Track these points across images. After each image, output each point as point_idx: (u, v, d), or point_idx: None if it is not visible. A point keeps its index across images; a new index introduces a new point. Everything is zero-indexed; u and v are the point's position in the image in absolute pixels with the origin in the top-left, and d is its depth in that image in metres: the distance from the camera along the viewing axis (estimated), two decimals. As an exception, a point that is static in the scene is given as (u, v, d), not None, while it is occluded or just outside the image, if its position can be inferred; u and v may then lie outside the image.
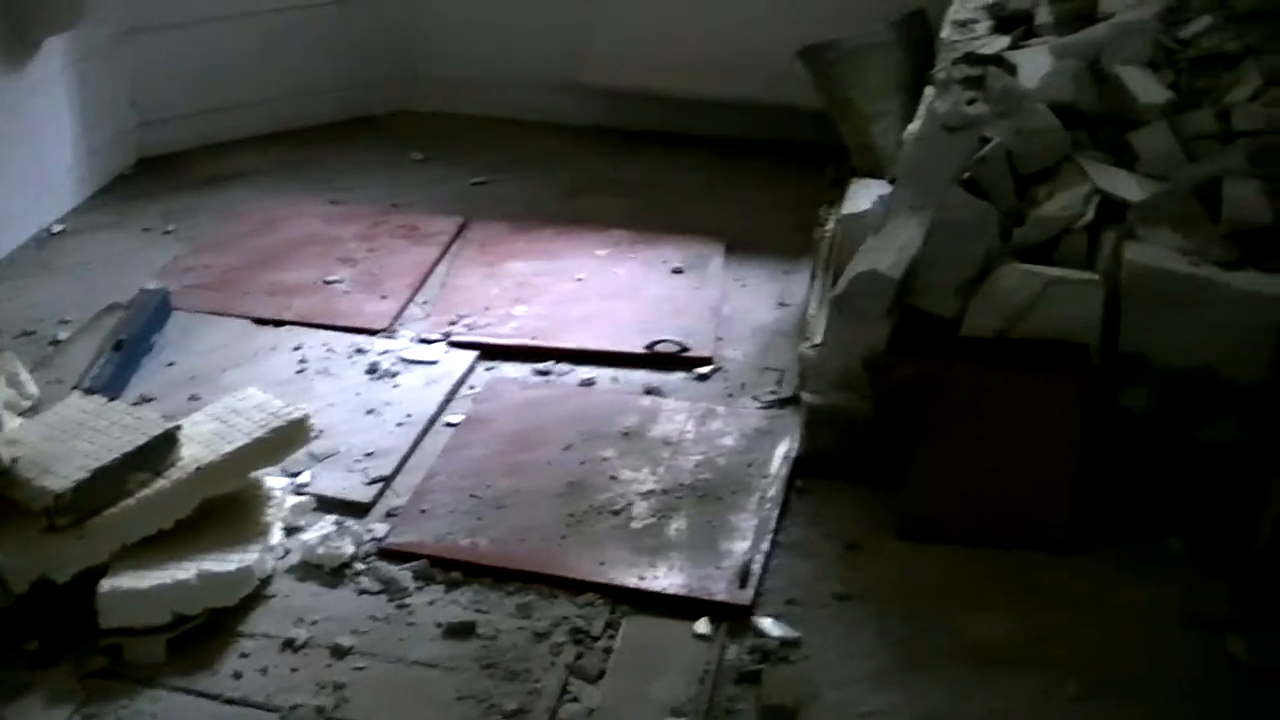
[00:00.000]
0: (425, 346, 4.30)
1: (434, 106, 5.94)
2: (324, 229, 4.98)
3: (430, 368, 4.18)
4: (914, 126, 3.96)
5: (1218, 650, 3.13)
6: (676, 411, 3.97)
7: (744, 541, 3.42)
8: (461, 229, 5.00)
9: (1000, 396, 3.51)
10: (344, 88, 5.82)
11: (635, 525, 3.49)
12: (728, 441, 3.83)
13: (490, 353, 4.28)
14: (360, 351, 4.25)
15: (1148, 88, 3.82)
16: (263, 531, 3.34)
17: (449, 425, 3.93)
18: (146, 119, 5.45)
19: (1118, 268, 3.46)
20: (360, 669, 3.06)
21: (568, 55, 5.66)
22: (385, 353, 4.24)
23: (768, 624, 3.18)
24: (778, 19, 5.35)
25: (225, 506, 3.36)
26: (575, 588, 3.29)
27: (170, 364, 4.17)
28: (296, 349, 4.26)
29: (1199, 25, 3.99)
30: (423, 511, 3.54)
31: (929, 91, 4.10)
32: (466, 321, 4.41)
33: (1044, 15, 4.32)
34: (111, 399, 3.55)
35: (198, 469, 3.28)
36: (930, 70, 4.33)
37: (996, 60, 4.09)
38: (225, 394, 3.65)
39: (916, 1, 5.01)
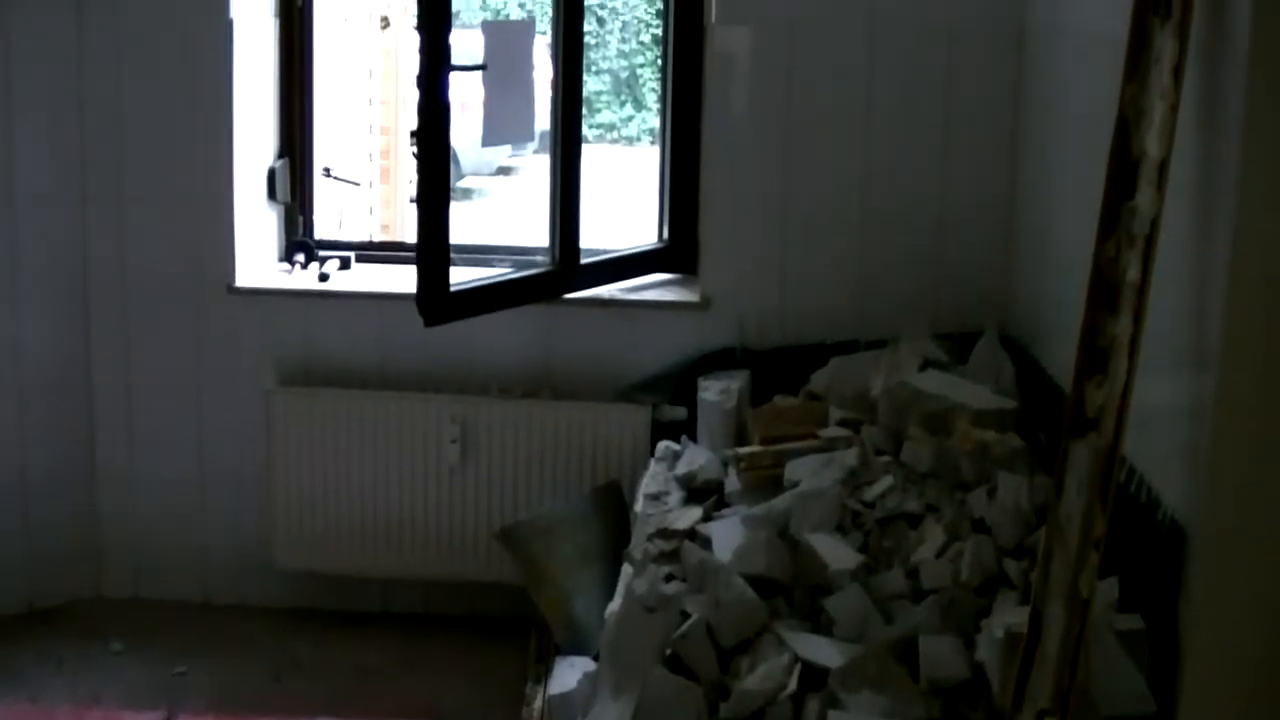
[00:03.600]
0: None
1: (129, 593, 5.77)
2: (22, 730, 4.80)
3: None
4: (614, 606, 3.98)
5: None
6: None
7: None
8: (167, 723, 4.86)
9: None
10: (31, 577, 5.63)
11: None
12: None
13: None
14: None
15: (837, 553, 3.91)
16: None
17: None
18: None
19: (824, 736, 3.49)
20: None
21: (258, 537, 5.60)
22: None
23: None
24: (469, 498, 5.42)
25: None
26: None
27: None
28: None
29: (881, 486, 4.12)
30: None
31: (626, 569, 4.16)
32: (173, 826, 4.27)
33: (733, 484, 4.44)
34: None
35: None
36: (626, 544, 4.39)
37: (690, 534, 4.19)
38: None
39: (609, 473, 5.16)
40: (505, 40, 5.44)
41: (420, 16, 4.78)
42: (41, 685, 5.14)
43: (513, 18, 21.63)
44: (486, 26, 12.85)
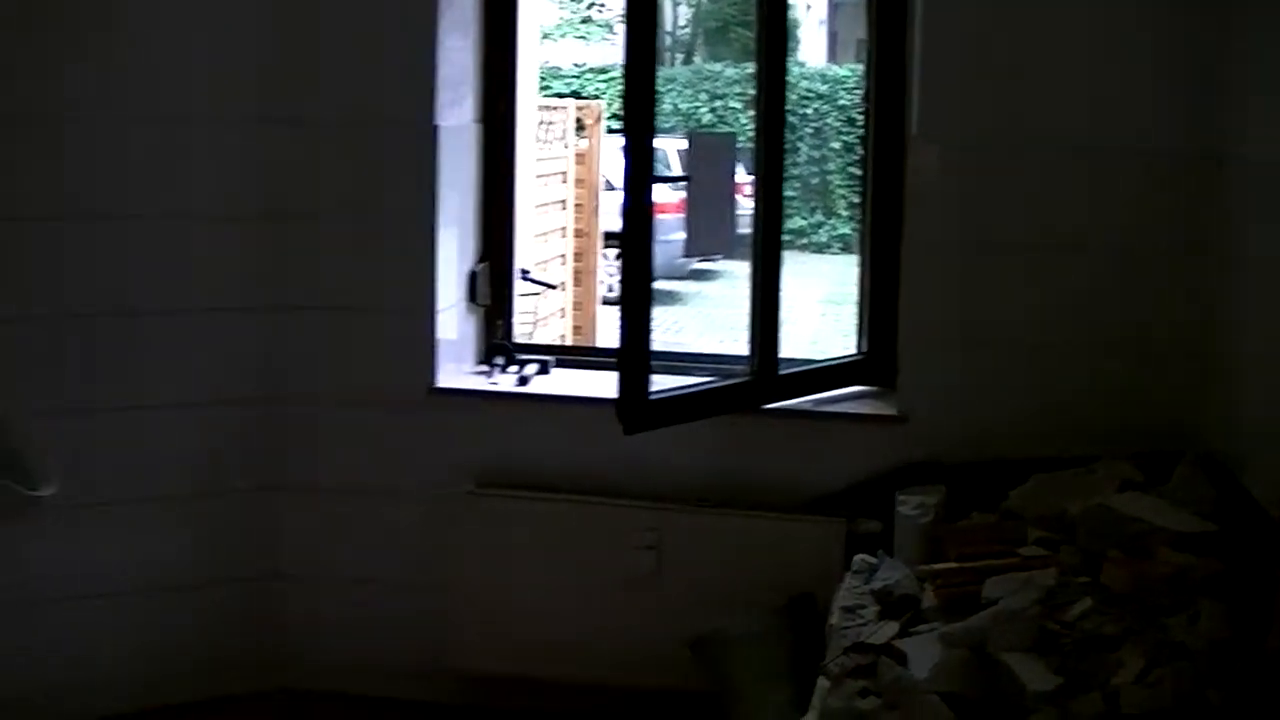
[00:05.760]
0: None
1: (311, 686, 5.82)
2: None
3: None
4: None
5: None
6: None
7: None
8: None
9: None
10: (218, 667, 5.72)
11: None
12: None
13: None
14: None
15: (1035, 674, 3.86)
16: None
17: None
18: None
19: None
20: None
21: (446, 636, 5.63)
22: None
23: None
24: (661, 606, 5.41)
25: None
26: None
27: None
28: None
29: (1080, 608, 4.06)
30: None
31: (821, 683, 4.13)
32: None
33: (929, 599, 4.41)
34: None
35: None
36: (818, 658, 4.37)
37: (886, 649, 4.16)
38: None
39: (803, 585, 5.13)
40: (709, 152, 5.50)
41: (625, 122, 4.86)
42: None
43: (703, 121, 21.83)
44: (692, 137, 12.93)
